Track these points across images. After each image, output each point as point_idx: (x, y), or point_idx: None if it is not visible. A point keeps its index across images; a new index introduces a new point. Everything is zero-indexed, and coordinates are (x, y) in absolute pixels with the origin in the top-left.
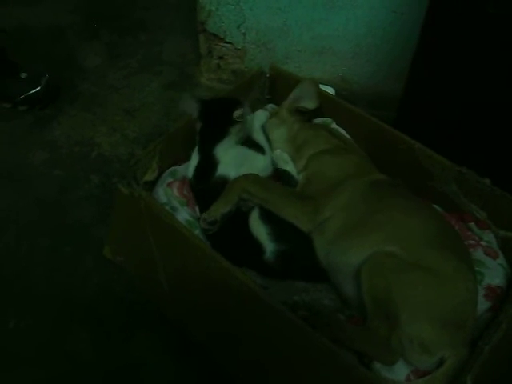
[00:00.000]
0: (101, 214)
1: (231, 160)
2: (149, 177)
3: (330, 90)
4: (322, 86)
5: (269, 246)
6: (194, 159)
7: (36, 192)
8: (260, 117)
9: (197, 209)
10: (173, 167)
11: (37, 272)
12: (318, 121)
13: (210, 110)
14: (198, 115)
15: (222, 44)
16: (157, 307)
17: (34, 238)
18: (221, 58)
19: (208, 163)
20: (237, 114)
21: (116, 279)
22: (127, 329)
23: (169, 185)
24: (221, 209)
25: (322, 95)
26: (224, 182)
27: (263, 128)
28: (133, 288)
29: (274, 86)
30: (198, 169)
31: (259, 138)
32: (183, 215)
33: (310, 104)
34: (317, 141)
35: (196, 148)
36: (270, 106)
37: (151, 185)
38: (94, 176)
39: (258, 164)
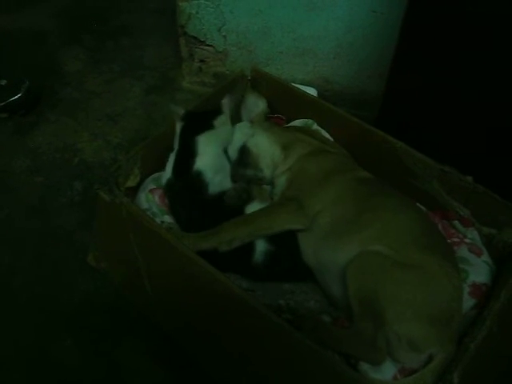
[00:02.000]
0: (84, 221)
1: (211, 158)
2: (131, 182)
3: (312, 91)
4: (304, 87)
5: (259, 246)
6: (171, 160)
7: (18, 199)
8: (244, 130)
9: None
10: (156, 173)
11: (20, 279)
12: (299, 122)
13: (194, 112)
14: (181, 117)
15: (202, 47)
16: (143, 313)
17: (17, 245)
18: (202, 61)
19: (187, 153)
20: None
21: (102, 286)
22: (113, 335)
23: (151, 191)
24: (205, 244)
25: (304, 96)
26: (200, 180)
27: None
28: (119, 294)
29: (256, 89)
30: (176, 160)
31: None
32: (162, 220)
33: (261, 106)
34: (301, 143)
35: (171, 153)
36: None
37: (133, 190)
38: (77, 182)
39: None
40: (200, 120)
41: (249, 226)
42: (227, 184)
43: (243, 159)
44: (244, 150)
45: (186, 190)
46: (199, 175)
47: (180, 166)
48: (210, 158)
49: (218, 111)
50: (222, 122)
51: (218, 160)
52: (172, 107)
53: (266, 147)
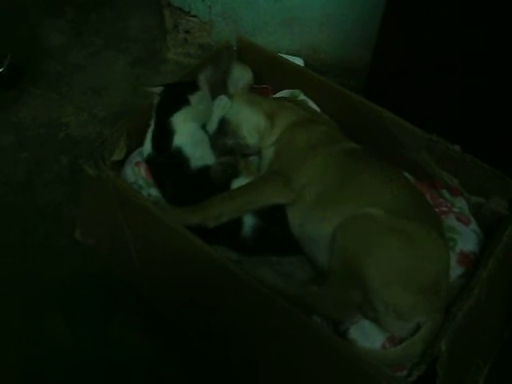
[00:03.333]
0: (72, 196)
1: (188, 134)
2: (117, 156)
3: (299, 61)
4: (290, 57)
5: (248, 220)
6: (149, 136)
7: (4, 176)
8: (221, 104)
9: None
10: (142, 147)
11: (7, 255)
12: (285, 92)
13: (170, 86)
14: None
15: (187, 18)
16: (132, 288)
17: (3, 221)
18: (187, 32)
19: (164, 131)
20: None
21: (90, 261)
22: (104, 311)
23: (137, 164)
24: (192, 218)
25: (291, 66)
26: (181, 156)
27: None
28: (108, 269)
29: (242, 59)
30: (154, 137)
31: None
32: (149, 192)
33: (246, 78)
34: (286, 112)
35: (149, 129)
36: None
37: (120, 164)
38: (63, 157)
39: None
40: (176, 96)
41: (235, 202)
42: (210, 157)
43: (222, 129)
44: (223, 121)
45: (169, 165)
46: (179, 152)
47: (159, 143)
48: (188, 134)
49: (194, 86)
50: (199, 98)
51: (197, 134)
52: (147, 89)
53: (246, 115)
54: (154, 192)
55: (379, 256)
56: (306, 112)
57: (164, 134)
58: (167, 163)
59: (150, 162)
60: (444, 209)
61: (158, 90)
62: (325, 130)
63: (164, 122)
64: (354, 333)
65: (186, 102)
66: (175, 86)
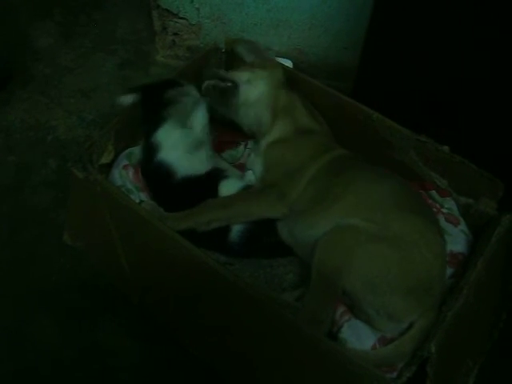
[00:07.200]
0: (60, 199)
1: (174, 147)
2: (105, 159)
3: (288, 63)
4: (279, 59)
5: (236, 226)
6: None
7: None
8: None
9: None
10: (129, 149)
11: None
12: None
13: (147, 95)
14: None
15: (176, 20)
16: (121, 291)
17: None
18: (176, 34)
19: (149, 148)
20: (169, 93)
21: (78, 264)
22: (92, 314)
23: (124, 167)
24: (183, 224)
25: None
26: (166, 168)
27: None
28: (96, 273)
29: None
30: (142, 150)
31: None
32: (138, 197)
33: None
34: (289, 117)
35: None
36: None
37: (108, 167)
38: (52, 160)
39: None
40: (155, 109)
41: (227, 211)
42: (203, 163)
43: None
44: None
45: (157, 174)
46: (164, 165)
47: (146, 156)
48: (174, 146)
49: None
50: (178, 110)
51: (185, 141)
52: (118, 100)
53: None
54: (143, 197)
55: (362, 265)
56: (307, 113)
57: (150, 150)
58: (156, 172)
59: (141, 167)
60: (433, 210)
61: (129, 99)
62: (317, 141)
63: (149, 140)
64: (346, 332)
65: (165, 118)
66: (150, 99)
